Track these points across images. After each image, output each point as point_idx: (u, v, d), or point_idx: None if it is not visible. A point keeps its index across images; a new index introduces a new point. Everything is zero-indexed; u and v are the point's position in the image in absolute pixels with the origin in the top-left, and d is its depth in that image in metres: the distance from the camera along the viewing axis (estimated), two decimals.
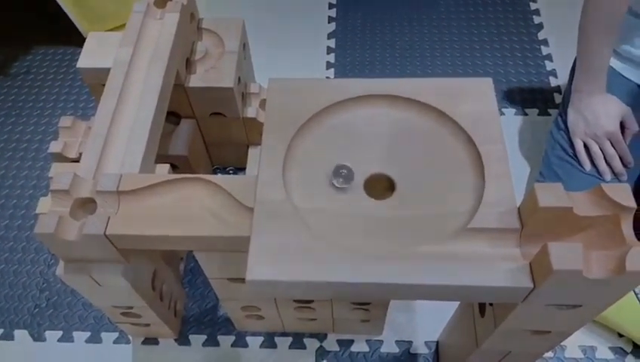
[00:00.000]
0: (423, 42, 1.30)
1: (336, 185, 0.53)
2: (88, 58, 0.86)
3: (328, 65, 1.26)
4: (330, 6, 1.38)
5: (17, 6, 1.38)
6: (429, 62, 1.26)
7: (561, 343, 0.85)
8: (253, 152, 1.01)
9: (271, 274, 0.48)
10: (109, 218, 0.58)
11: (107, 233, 0.57)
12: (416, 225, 0.51)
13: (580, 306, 0.49)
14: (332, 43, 1.30)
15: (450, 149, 0.55)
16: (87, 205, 0.61)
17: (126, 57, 0.76)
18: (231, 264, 0.65)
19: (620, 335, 0.86)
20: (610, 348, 0.86)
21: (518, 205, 0.50)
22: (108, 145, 0.67)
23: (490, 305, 0.58)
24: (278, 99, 0.59)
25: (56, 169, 0.75)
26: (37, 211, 0.70)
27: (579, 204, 0.45)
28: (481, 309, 0.62)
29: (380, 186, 0.55)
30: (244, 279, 0.67)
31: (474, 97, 0.57)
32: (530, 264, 0.46)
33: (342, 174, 0.53)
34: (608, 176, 0.88)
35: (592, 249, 0.44)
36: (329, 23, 1.35)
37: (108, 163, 0.66)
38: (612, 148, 0.88)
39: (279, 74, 0.61)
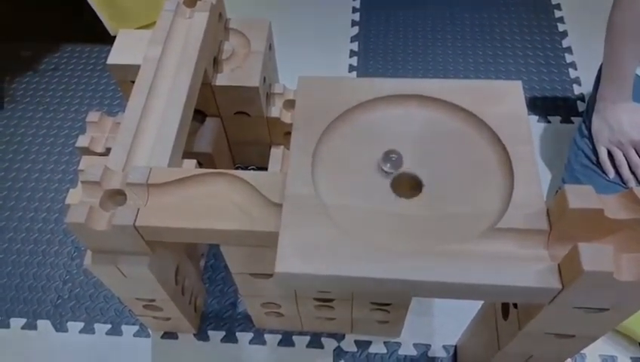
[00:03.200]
0: (446, 47, 1.30)
1: (385, 170, 0.53)
2: (118, 55, 0.87)
3: (351, 67, 1.27)
4: (354, 10, 1.39)
5: (45, 4, 1.42)
6: (451, 67, 1.26)
7: (582, 351, 0.85)
8: (275, 152, 1.02)
9: (298, 267, 0.48)
10: (138, 209, 0.59)
11: (136, 224, 0.58)
12: (443, 224, 0.51)
13: (608, 310, 0.49)
14: (355, 46, 1.31)
15: (479, 150, 0.55)
16: (116, 197, 0.62)
17: (156, 55, 0.77)
18: (255, 259, 0.65)
19: None
20: (631, 358, 0.85)
21: None
22: (137, 140, 0.68)
23: (515, 307, 0.58)
24: (307, 96, 0.59)
25: (86, 161, 0.76)
26: (66, 202, 0.71)
27: (609, 207, 0.45)
28: (505, 311, 0.62)
29: (408, 185, 0.55)
30: (267, 275, 0.69)
31: (503, 99, 0.57)
32: (558, 265, 0.46)
33: (392, 159, 0.53)
34: (632, 183, 0.87)
35: (623, 251, 0.44)
36: (352, 26, 1.36)
37: (137, 157, 0.67)
38: (637, 157, 0.87)
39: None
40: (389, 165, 0.53)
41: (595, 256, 0.42)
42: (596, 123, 0.92)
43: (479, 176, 0.54)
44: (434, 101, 0.58)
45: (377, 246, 0.49)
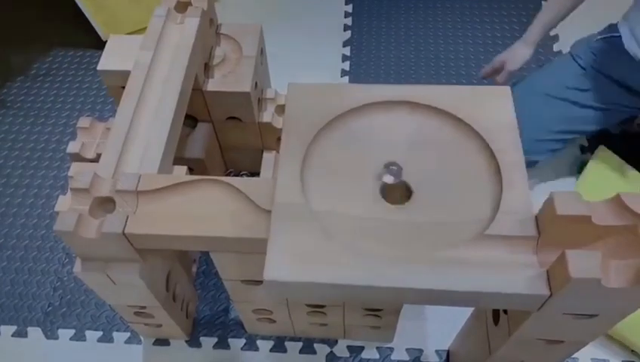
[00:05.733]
0: (438, 52, 1.30)
1: (387, 181, 0.54)
2: (109, 60, 0.87)
3: (343, 72, 1.27)
4: (346, 14, 1.40)
5: (37, 9, 1.41)
6: (443, 72, 1.26)
7: (574, 356, 0.85)
8: (267, 157, 1.02)
9: (288, 275, 0.48)
10: (127, 217, 0.59)
11: (126, 232, 0.58)
12: (432, 231, 0.51)
13: (596, 316, 0.49)
14: (347, 51, 1.31)
15: (468, 157, 0.56)
16: (105, 204, 0.62)
17: (146, 60, 0.77)
18: (245, 266, 0.65)
19: (633, 352, 0.85)
20: None
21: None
22: (127, 146, 0.68)
23: (505, 313, 0.58)
24: (297, 103, 0.59)
25: (75, 168, 0.76)
26: (56, 209, 0.71)
27: (598, 213, 0.45)
28: (495, 317, 0.62)
29: (397, 192, 0.55)
30: (258, 281, 0.69)
31: (492, 105, 0.57)
32: (547, 271, 0.46)
33: (392, 171, 0.54)
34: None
35: (611, 258, 0.44)
36: (344, 30, 1.36)
37: (127, 163, 0.67)
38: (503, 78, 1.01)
39: (294, 82, 0.62)
40: (390, 177, 0.53)
41: (583, 262, 0.42)
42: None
43: (468, 183, 0.54)
44: (424, 108, 0.58)
45: (366, 253, 0.49)
